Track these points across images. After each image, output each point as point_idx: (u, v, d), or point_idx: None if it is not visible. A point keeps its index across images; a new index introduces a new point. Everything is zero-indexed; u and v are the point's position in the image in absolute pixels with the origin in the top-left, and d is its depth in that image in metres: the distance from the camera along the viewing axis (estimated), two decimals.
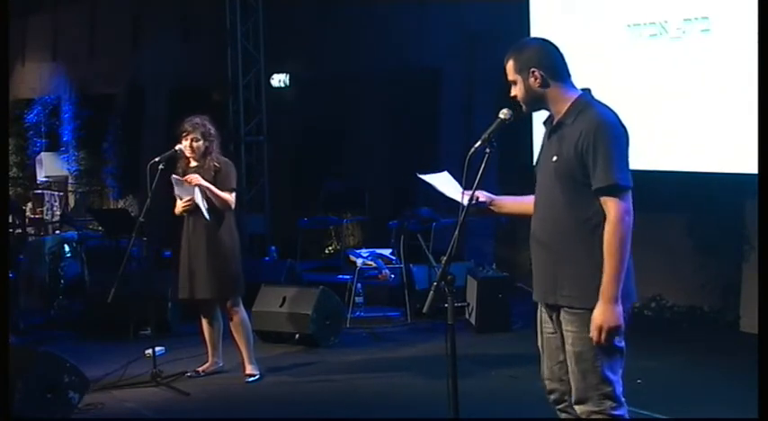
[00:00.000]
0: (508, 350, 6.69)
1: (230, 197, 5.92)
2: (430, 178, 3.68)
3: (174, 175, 5.87)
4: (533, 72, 3.34)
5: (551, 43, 3.46)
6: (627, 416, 3.36)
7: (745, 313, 6.79)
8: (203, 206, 5.81)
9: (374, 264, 7.97)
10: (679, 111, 6.63)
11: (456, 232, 3.29)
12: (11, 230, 8.63)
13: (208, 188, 5.83)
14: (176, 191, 5.88)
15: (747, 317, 6.74)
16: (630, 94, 6.78)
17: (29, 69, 15.33)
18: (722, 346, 6.56)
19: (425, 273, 7.76)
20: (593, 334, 3.22)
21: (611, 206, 3.21)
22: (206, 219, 5.84)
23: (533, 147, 7.11)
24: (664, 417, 4.97)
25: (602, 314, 3.20)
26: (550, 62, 3.36)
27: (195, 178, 5.82)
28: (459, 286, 7.21)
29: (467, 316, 7.45)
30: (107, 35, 13.65)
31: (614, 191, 3.21)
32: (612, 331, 3.21)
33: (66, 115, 14.37)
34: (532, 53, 3.37)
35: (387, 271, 7.97)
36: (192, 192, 5.83)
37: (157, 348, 6.19)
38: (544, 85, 3.35)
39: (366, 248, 8.37)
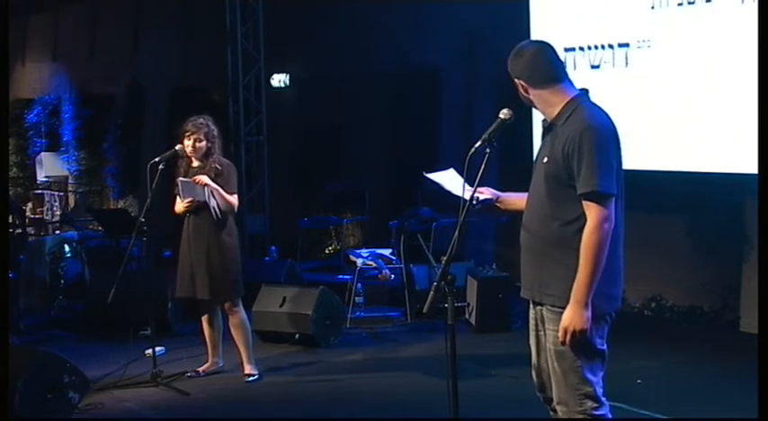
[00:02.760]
0: (508, 350, 6.69)
1: (235, 200, 5.94)
2: (436, 176, 3.69)
3: (180, 178, 5.86)
4: (517, 81, 3.44)
5: (541, 49, 3.47)
6: (609, 416, 3.37)
7: (745, 313, 6.79)
8: (213, 206, 5.82)
9: (374, 264, 7.97)
10: (679, 110, 6.63)
11: (456, 232, 3.31)
12: (11, 230, 8.62)
13: (216, 189, 5.84)
14: (181, 192, 5.87)
15: (747, 317, 6.74)
16: (631, 93, 6.78)
17: (29, 69, 15.33)
18: (722, 346, 6.56)
19: (425, 273, 7.76)
20: (560, 334, 3.27)
21: (591, 212, 3.24)
22: (215, 218, 5.85)
23: (533, 147, 7.11)
24: (664, 417, 4.97)
25: (570, 317, 3.24)
26: (534, 71, 3.40)
27: (204, 179, 5.82)
28: (459, 286, 7.20)
29: (467, 316, 7.45)
30: (107, 35, 13.65)
31: (595, 197, 3.23)
32: (578, 334, 3.24)
33: (67, 115, 14.37)
34: (516, 64, 3.44)
35: (387, 271, 7.97)
36: (197, 192, 5.83)
37: (157, 348, 6.19)
38: (528, 92, 3.43)
39: (366, 248, 8.37)
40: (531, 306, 3.54)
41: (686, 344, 6.72)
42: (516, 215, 3.65)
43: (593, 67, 7.14)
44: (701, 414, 5.04)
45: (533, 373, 3.56)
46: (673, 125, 6.69)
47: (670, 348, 6.56)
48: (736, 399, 5.12)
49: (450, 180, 3.64)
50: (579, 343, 3.26)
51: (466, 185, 3.42)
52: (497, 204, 3.64)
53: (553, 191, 3.32)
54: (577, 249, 3.25)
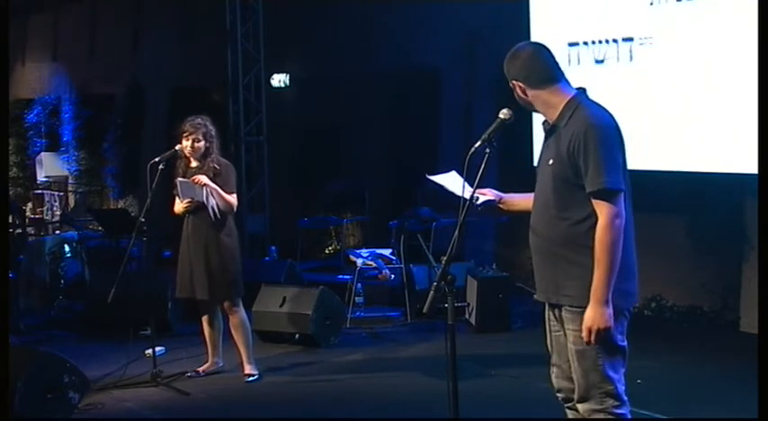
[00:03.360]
0: (508, 350, 6.69)
1: (234, 199, 5.93)
2: (439, 178, 3.69)
3: (179, 178, 5.86)
4: (514, 83, 3.44)
5: (537, 49, 3.49)
6: (629, 416, 3.38)
7: (745, 313, 6.79)
8: (211, 206, 5.81)
9: (374, 264, 7.97)
10: (679, 111, 6.63)
11: (456, 232, 3.30)
12: (11, 230, 8.62)
13: (215, 190, 5.83)
14: (180, 192, 5.87)
15: (747, 317, 6.74)
16: (630, 93, 6.78)
17: (29, 69, 15.33)
18: (722, 346, 6.56)
19: (425, 273, 7.76)
20: (584, 334, 3.27)
21: (602, 210, 3.24)
22: (213, 218, 5.84)
23: (533, 148, 7.11)
24: (664, 417, 4.97)
25: (592, 316, 3.24)
26: (531, 72, 3.40)
27: (203, 179, 5.82)
28: (459, 286, 7.20)
29: (467, 316, 7.45)
30: (107, 35, 13.65)
31: (604, 194, 3.24)
32: (602, 332, 3.25)
33: (67, 115, 14.37)
34: (512, 66, 3.44)
35: (387, 271, 7.97)
36: (195, 192, 5.83)
37: (157, 348, 6.19)
38: (526, 93, 3.42)
39: (366, 248, 8.37)
40: (548, 308, 3.54)
41: (686, 344, 6.72)
42: (518, 215, 3.66)
43: (597, 61, 7.12)
44: (701, 414, 5.04)
45: (552, 374, 3.57)
46: (673, 125, 6.69)
47: (670, 348, 6.57)
48: (736, 399, 5.12)
49: (452, 182, 3.64)
50: (602, 340, 3.26)
51: (466, 185, 3.43)
52: (500, 205, 3.64)
53: (561, 191, 3.33)
54: (589, 248, 3.26)
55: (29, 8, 14.22)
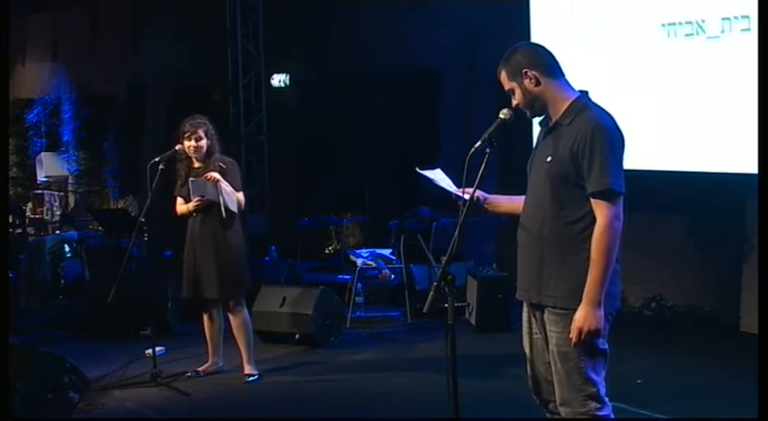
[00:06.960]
0: (508, 350, 6.66)
1: (242, 197, 5.93)
2: (427, 173, 3.69)
3: (191, 178, 5.83)
4: (526, 72, 3.36)
5: (539, 45, 3.52)
6: (612, 416, 3.37)
7: (745, 313, 6.79)
8: (223, 202, 5.79)
9: (374, 264, 7.98)
10: (679, 111, 6.63)
11: (456, 232, 3.30)
12: (11, 230, 8.62)
13: (227, 186, 5.81)
14: (191, 192, 5.83)
15: (747, 317, 6.74)
16: (629, 93, 6.78)
17: (29, 69, 15.32)
18: (722, 346, 6.56)
19: (425, 273, 7.76)
20: (573, 335, 3.25)
21: (602, 210, 3.22)
22: (224, 215, 5.82)
23: (533, 148, 7.11)
24: (664, 417, 4.97)
25: (584, 317, 3.22)
26: (541, 61, 3.38)
27: (216, 175, 5.79)
28: (459, 286, 7.21)
29: (467, 316, 7.45)
30: (107, 35, 13.65)
31: (607, 195, 3.22)
32: (592, 334, 3.23)
33: (67, 115, 14.36)
34: (521, 56, 3.39)
35: (387, 271, 7.97)
36: (208, 191, 5.80)
37: (157, 348, 6.19)
38: (539, 83, 3.36)
39: (366, 248, 8.37)
40: (527, 309, 3.53)
41: (686, 344, 6.72)
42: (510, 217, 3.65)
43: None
44: (701, 414, 5.03)
45: (530, 375, 3.55)
46: (673, 125, 6.69)
47: (670, 348, 6.56)
48: (736, 399, 5.12)
49: (440, 178, 3.65)
50: (587, 343, 3.25)
51: (452, 184, 3.42)
52: (485, 205, 3.61)
53: (557, 190, 3.31)
54: (580, 249, 3.25)
55: (29, 8, 14.21)
